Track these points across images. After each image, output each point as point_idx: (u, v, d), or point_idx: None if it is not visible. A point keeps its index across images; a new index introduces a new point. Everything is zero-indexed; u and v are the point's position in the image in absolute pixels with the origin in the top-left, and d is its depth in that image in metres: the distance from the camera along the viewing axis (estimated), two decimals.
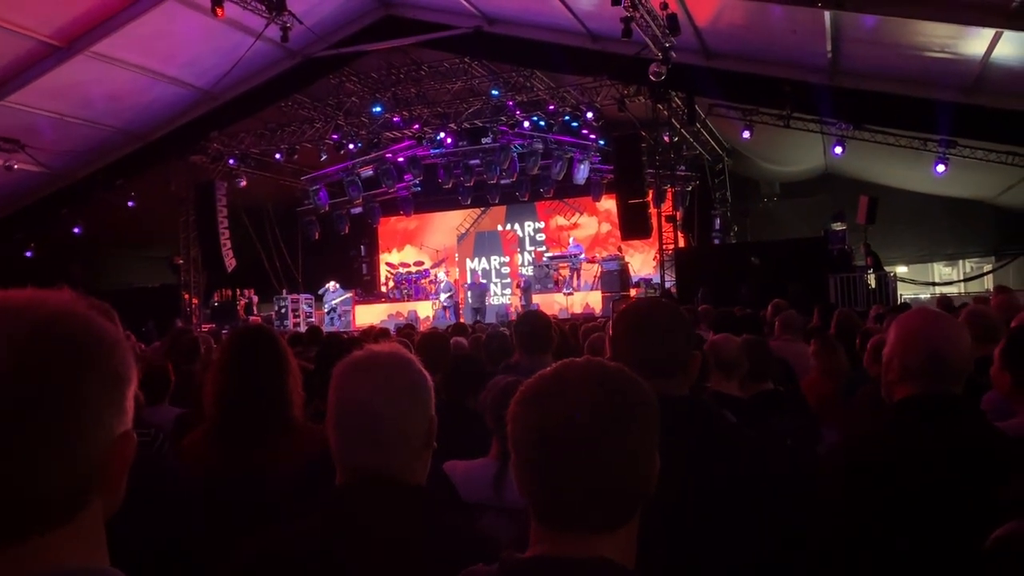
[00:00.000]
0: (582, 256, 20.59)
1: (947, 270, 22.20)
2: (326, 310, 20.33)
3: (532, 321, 3.93)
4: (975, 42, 10.92)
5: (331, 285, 20.67)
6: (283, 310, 19.66)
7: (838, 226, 16.21)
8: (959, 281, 19.88)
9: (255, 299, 20.80)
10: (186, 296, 19.60)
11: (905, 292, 17.37)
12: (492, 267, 24.09)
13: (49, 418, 0.86)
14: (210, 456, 2.42)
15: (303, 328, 13.25)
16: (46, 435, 0.86)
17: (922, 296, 17.96)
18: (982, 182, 18.09)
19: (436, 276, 22.17)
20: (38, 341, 0.88)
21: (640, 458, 1.21)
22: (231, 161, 19.46)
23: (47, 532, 0.87)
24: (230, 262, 19.05)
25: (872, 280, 14.90)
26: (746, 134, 16.58)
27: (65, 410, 0.87)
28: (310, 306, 20.50)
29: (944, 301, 8.82)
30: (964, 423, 1.99)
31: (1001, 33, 10.18)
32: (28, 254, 18.94)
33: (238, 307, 20.16)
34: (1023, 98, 12.36)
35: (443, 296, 19.83)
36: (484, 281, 22.21)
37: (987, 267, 20.17)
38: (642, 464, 1.21)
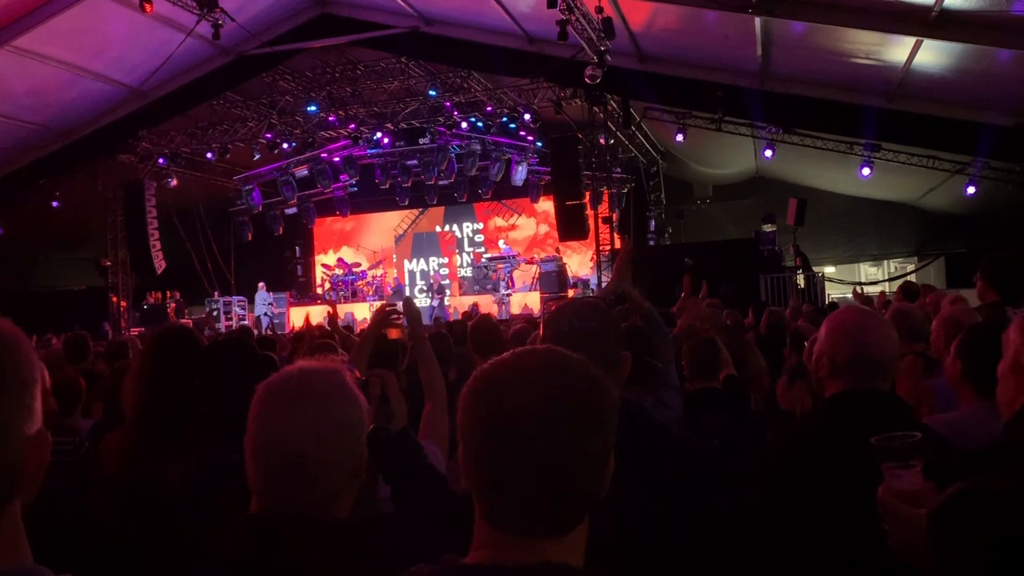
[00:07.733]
0: (518, 258, 20.64)
1: (872, 270, 22.90)
2: (260, 313, 19.94)
3: (485, 326, 4.19)
4: (897, 50, 11.32)
5: (259, 287, 20.27)
6: (215, 313, 19.22)
7: (768, 228, 16.60)
8: (884, 281, 20.52)
9: (174, 300, 20.17)
10: (114, 299, 19.04)
11: (832, 292, 17.87)
12: (430, 268, 23.97)
13: None
14: (129, 459, 2.37)
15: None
16: None
17: (849, 295, 18.50)
18: (905, 185, 18.72)
19: (374, 278, 22.04)
20: None
21: (596, 458, 1.13)
22: (161, 160, 18.92)
23: None
24: (160, 264, 18.56)
25: (801, 280, 15.32)
26: (679, 137, 16.85)
27: None
28: (243, 308, 20.08)
29: (863, 299, 9.15)
30: (890, 419, 2.03)
31: (921, 42, 10.59)
32: None
33: (168, 310, 19.64)
34: (942, 104, 12.87)
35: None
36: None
37: (910, 267, 20.88)
38: (598, 465, 1.13)
